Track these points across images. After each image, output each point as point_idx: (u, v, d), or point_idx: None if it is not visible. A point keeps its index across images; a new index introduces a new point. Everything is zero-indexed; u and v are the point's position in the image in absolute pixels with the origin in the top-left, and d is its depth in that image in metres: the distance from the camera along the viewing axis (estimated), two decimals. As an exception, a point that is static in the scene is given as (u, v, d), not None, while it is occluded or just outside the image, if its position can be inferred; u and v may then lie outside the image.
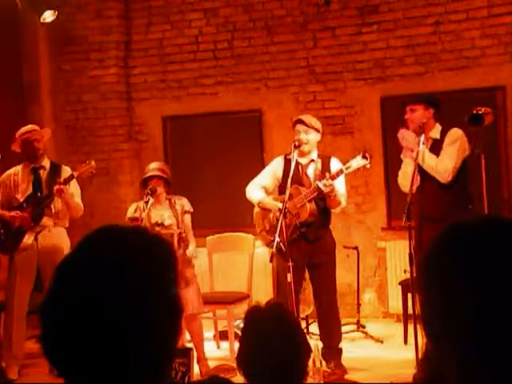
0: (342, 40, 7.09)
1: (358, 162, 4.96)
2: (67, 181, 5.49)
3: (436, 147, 4.96)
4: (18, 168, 5.70)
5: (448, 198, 4.88)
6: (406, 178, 4.97)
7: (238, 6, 7.36)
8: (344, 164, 5.04)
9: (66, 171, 5.69)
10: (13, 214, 5.51)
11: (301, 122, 5.20)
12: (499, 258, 1.08)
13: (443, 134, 4.98)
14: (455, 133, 4.94)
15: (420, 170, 4.93)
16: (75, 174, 5.54)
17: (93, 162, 5.59)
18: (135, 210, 5.41)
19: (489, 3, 6.64)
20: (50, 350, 1.16)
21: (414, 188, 4.82)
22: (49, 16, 6.65)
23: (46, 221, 5.55)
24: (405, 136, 4.97)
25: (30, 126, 5.76)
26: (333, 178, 4.98)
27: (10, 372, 5.43)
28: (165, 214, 5.40)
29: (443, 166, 4.89)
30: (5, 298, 5.65)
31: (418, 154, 4.80)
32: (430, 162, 4.91)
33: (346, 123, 7.13)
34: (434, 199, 4.94)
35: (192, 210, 5.52)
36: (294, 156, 5.06)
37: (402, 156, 5.12)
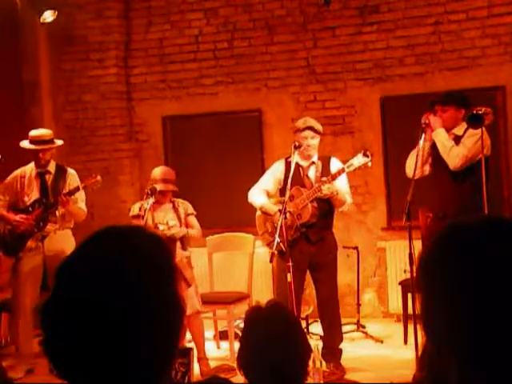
0: (342, 40, 7.08)
1: (359, 160, 4.94)
2: (73, 192, 5.50)
3: (456, 142, 4.93)
4: (25, 169, 5.70)
5: (463, 191, 4.83)
6: (413, 161, 4.87)
7: (238, 6, 7.36)
8: (344, 163, 5.03)
9: (72, 174, 5.73)
10: (17, 218, 5.53)
11: (311, 128, 5.17)
12: (500, 258, 1.08)
13: (466, 131, 4.93)
14: (479, 130, 4.80)
15: (434, 160, 4.91)
16: (81, 186, 5.55)
17: (99, 177, 5.57)
18: (139, 209, 5.43)
19: (489, 3, 6.63)
20: (51, 350, 1.16)
21: (418, 174, 4.80)
22: (49, 16, 6.65)
23: (49, 227, 5.58)
24: (431, 119, 4.92)
25: (43, 133, 5.67)
26: (334, 177, 4.97)
27: (17, 371, 5.47)
28: (168, 215, 5.43)
29: (456, 151, 4.85)
30: (11, 299, 5.70)
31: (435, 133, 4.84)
32: (446, 142, 4.89)
33: (346, 123, 7.13)
34: (448, 192, 4.89)
35: (195, 213, 5.56)
36: (294, 157, 5.06)
37: (420, 141, 4.90)
